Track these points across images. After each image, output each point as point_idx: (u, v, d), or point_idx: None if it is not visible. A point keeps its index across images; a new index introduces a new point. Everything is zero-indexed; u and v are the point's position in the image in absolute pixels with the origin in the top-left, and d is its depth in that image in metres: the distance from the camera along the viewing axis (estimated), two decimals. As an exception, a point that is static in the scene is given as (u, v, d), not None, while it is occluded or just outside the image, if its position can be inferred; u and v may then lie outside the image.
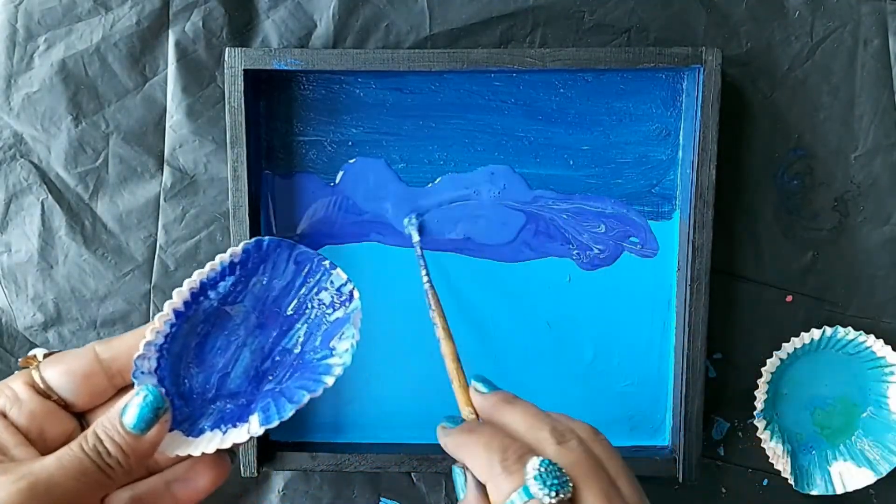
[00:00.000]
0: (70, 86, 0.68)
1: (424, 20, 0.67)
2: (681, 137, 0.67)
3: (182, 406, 0.54)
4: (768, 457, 0.70)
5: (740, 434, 0.72)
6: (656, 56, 0.63)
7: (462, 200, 0.68)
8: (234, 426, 0.53)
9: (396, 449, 0.69)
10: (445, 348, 0.58)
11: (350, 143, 0.68)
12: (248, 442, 0.53)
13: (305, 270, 0.60)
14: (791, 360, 0.69)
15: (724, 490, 0.72)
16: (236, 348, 0.57)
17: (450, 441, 0.51)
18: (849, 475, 0.70)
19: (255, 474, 0.68)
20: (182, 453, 0.51)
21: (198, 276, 0.56)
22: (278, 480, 0.72)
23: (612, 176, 0.68)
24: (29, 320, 0.70)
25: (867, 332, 0.68)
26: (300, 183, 0.68)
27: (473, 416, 0.53)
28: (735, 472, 0.72)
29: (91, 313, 0.70)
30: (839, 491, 0.70)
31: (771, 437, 0.70)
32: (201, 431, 0.53)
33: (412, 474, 0.72)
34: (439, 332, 0.59)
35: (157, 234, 0.69)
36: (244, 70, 0.64)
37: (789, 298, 0.70)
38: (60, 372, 0.51)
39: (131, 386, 0.51)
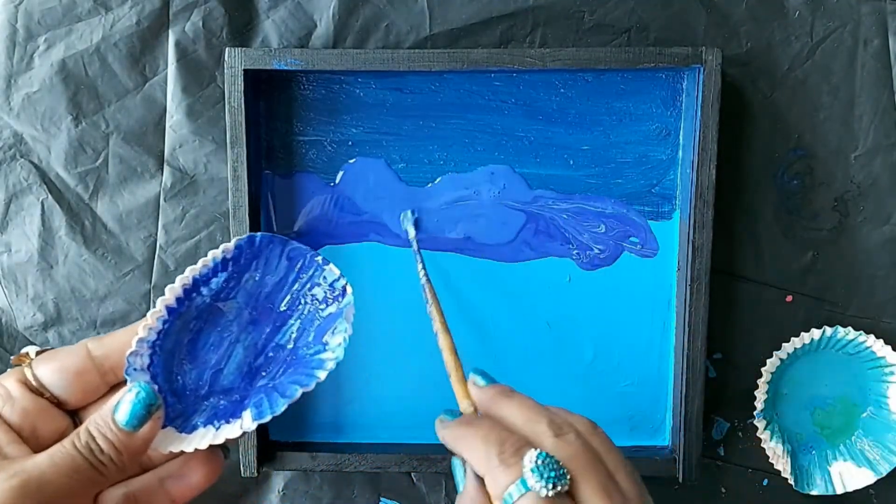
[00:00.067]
0: (70, 86, 0.67)
1: (424, 20, 0.66)
2: (681, 137, 0.66)
3: (175, 403, 0.53)
4: (768, 457, 0.69)
5: (740, 434, 0.71)
6: (656, 56, 0.63)
7: (462, 200, 0.67)
8: (227, 422, 0.52)
9: (396, 449, 0.68)
10: (443, 342, 0.57)
11: (350, 143, 0.67)
12: (241, 437, 0.53)
13: (298, 266, 0.59)
14: (791, 360, 0.68)
15: (724, 490, 0.71)
16: (229, 344, 0.57)
17: (448, 434, 0.51)
18: (849, 475, 0.69)
19: (255, 474, 0.67)
20: (175, 450, 0.51)
21: (190, 273, 0.56)
22: (278, 480, 0.71)
23: (612, 176, 0.67)
24: (29, 320, 0.69)
25: (867, 332, 0.67)
26: (300, 183, 0.67)
27: (472, 410, 0.53)
28: (735, 472, 0.71)
29: (91, 313, 0.69)
30: (839, 491, 0.69)
31: (771, 437, 0.69)
32: (194, 428, 0.52)
33: (412, 474, 0.71)
34: (436, 326, 0.58)
35: (157, 234, 0.68)
36: (244, 70, 0.63)
37: (789, 298, 0.69)
38: (53, 369, 0.51)
39: (124, 383, 0.51)
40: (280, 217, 0.67)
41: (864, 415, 0.70)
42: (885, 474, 0.68)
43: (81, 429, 0.47)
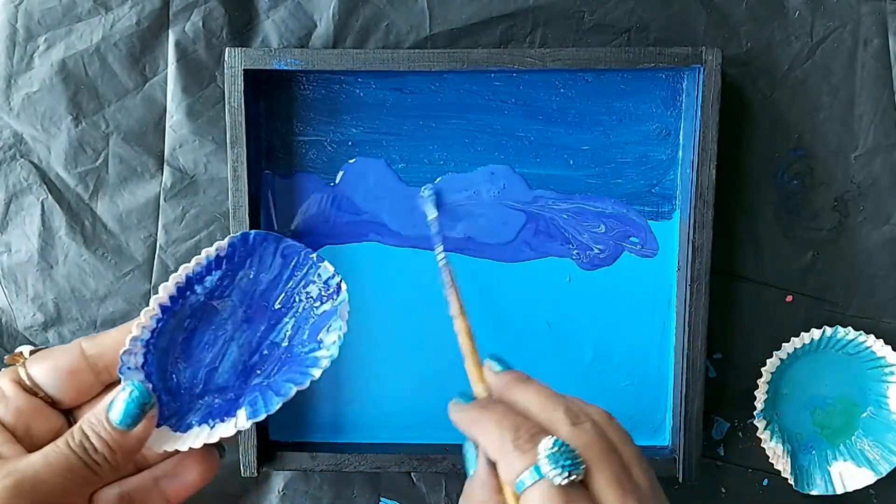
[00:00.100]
0: (70, 86, 0.66)
1: (424, 20, 0.66)
2: (681, 137, 0.66)
3: (169, 401, 0.53)
4: (768, 457, 0.68)
5: (740, 434, 0.70)
6: (656, 56, 0.62)
7: (462, 200, 0.67)
8: (222, 421, 0.52)
9: (396, 449, 0.68)
10: (460, 325, 0.56)
11: (350, 143, 0.66)
12: (236, 436, 0.52)
13: (292, 264, 0.59)
14: (791, 360, 0.68)
15: (724, 490, 0.71)
16: (224, 343, 0.56)
17: (463, 417, 0.50)
18: (849, 475, 0.69)
19: (255, 474, 0.66)
20: (170, 449, 0.50)
21: (183, 271, 0.55)
22: (278, 480, 0.71)
23: (612, 176, 0.66)
24: (29, 320, 0.69)
25: (867, 332, 0.67)
26: (300, 183, 0.66)
27: (486, 394, 0.52)
28: (735, 472, 0.70)
29: (91, 313, 0.69)
30: (839, 491, 0.69)
31: (771, 437, 0.68)
32: (189, 426, 0.52)
33: (412, 474, 0.70)
34: (454, 310, 0.57)
35: (157, 234, 0.68)
36: (244, 70, 0.62)
37: (789, 298, 0.68)
38: (47, 368, 0.51)
39: (118, 382, 0.50)
40: (280, 217, 0.66)
41: (864, 415, 0.69)
42: (885, 474, 0.68)
43: (75, 428, 0.47)
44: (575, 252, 0.67)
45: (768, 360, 0.67)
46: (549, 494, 0.43)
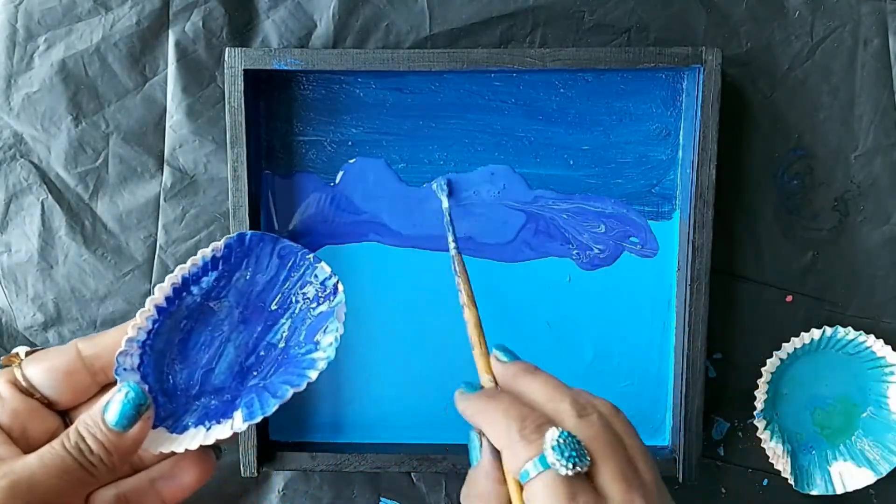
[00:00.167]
0: (70, 86, 0.66)
1: (424, 20, 0.65)
2: (681, 137, 0.65)
3: (166, 403, 0.52)
4: (768, 457, 0.68)
5: (740, 434, 0.69)
6: (656, 56, 0.61)
7: (462, 201, 0.66)
8: (218, 422, 0.51)
9: (396, 449, 0.67)
10: (469, 315, 0.56)
11: (350, 143, 0.65)
12: (233, 437, 0.51)
13: (289, 264, 0.58)
14: (791, 360, 0.67)
15: (724, 490, 0.70)
16: (220, 344, 0.55)
17: (469, 406, 0.50)
18: (849, 475, 0.68)
19: (255, 474, 0.65)
20: (166, 450, 0.50)
21: (179, 272, 0.54)
22: (278, 480, 0.70)
23: (612, 176, 0.65)
24: (29, 320, 0.68)
25: (867, 332, 0.66)
26: (300, 183, 0.66)
27: (493, 385, 0.52)
28: (735, 472, 0.70)
29: (91, 313, 0.68)
30: (839, 491, 0.68)
31: (771, 437, 0.67)
32: (185, 428, 0.51)
33: (412, 474, 0.70)
34: (463, 299, 0.57)
35: (157, 234, 0.67)
36: (244, 70, 0.61)
37: (789, 298, 0.67)
38: (43, 369, 0.50)
39: (114, 383, 0.49)
40: (280, 217, 0.66)
41: (864, 415, 0.69)
42: (885, 474, 0.67)
43: (71, 429, 0.46)
44: (575, 252, 0.66)
45: (768, 360, 0.66)
46: (554, 485, 0.43)
